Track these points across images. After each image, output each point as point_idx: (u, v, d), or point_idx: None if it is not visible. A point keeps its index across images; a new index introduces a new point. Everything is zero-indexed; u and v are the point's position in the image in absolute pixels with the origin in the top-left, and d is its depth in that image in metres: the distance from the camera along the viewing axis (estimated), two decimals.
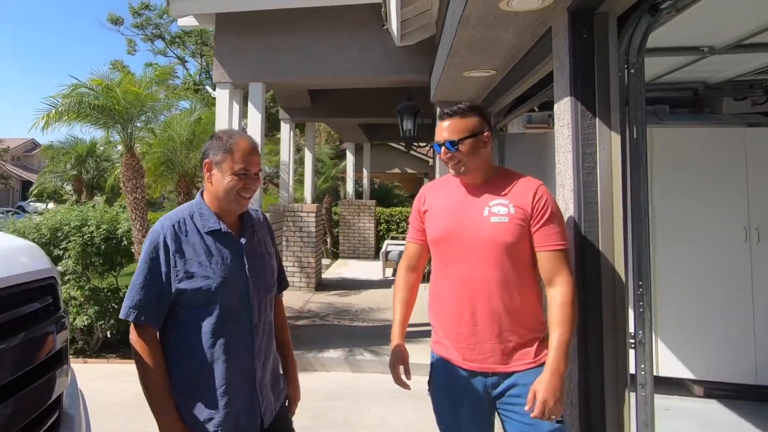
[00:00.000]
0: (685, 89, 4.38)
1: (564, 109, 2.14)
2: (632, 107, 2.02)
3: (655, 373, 3.95)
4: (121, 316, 1.65)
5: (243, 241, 1.79)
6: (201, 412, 1.67)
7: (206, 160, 1.76)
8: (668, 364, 3.93)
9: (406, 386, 1.97)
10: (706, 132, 4.15)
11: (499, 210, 1.79)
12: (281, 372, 1.98)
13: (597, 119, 2.01)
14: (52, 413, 1.69)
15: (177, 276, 1.65)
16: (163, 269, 1.65)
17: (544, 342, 1.81)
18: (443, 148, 1.85)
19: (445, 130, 1.86)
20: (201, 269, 1.67)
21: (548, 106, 4.37)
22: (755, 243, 3.95)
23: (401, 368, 1.97)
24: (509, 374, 1.80)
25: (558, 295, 1.73)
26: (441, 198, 1.98)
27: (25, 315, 1.57)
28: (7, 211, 22.93)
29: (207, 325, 1.67)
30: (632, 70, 2.04)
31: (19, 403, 1.45)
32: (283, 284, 2.05)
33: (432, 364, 1.99)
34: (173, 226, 1.70)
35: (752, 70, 3.78)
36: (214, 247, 1.72)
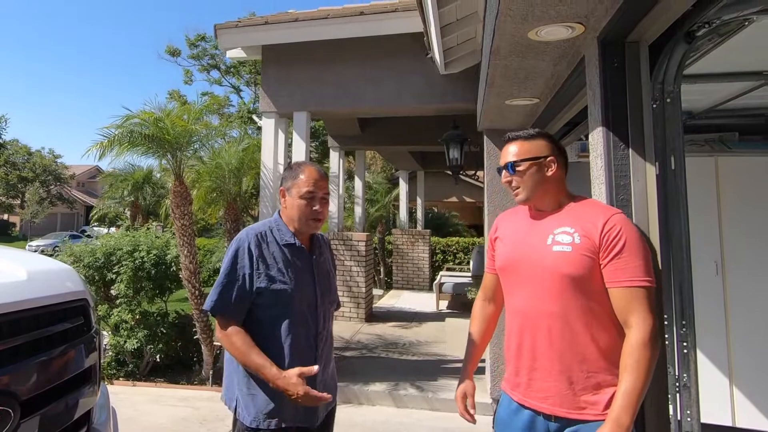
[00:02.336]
0: (756, 115, 4.11)
1: (597, 139, 2.06)
2: (669, 137, 1.92)
3: (730, 424, 3.64)
4: (206, 307, 1.88)
5: (313, 257, 2.03)
6: (265, 403, 1.85)
7: (281, 188, 2.03)
8: (745, 412, 3.57)
9: (471, 419, 1.91)
10: None
11: (563, 239, 1.65)
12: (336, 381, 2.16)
13: (630, 150, 1.92)
14: (79, 429, 1.77)
15: (259, 278, 1.87)
16: (247, 271, 1.87)
17: None
18: (504, 171, 1.81)
19: (508, 153, 1.80)
20: (279, 275, 1.90)
21: None
22: None
23: (467, 401, 1.92)
24: (573, 422, 1.62)
25: (631, 336, 1.53)
26: (511, 225, 1.91)
27: (55, 334, 1.67)
28: (70, 235, 24.48)
29: (279, 325, 1.88)
30: (668, 100, 1.94)
31: (45, 417, 1.53)
32: (338, 303, 2.22)
33: (498, 400, 1.92)
34: (257, 235, 1.94)
35: None
36: (290, 259, 1.95)
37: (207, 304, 1.89)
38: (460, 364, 6.08)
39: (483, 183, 15.33)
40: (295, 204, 1.95)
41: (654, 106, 1.94)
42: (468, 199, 17.94)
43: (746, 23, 2.03)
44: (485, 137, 4.81)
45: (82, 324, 1.87)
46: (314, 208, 1.95)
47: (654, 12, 1.73)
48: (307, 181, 1.95)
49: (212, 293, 1.89)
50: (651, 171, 1.89)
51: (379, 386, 4.93)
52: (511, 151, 1.78)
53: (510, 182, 1.78)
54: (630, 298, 1.54)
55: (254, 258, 1.88)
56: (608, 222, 1.60)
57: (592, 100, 2.12)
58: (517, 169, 1.74)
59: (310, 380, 1.84)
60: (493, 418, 1.92)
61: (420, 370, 5.49)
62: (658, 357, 1.58)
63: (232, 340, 1.83)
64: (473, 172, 6.49)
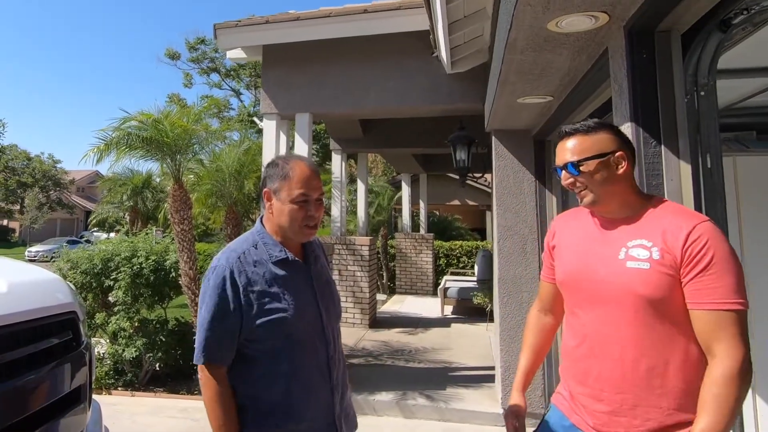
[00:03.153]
0: None
1: None
2: (704, 133, 1.78)
3: None
4: (196, 360, 1.57)
5: (310, 268, 1.74)
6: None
7: (265, 190, 1.68)
8: None
9: None
10: None
11: (639, 253, 1.41)
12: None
13: (662, 147, 1.78)
14: None
15: (251, 312, 1.56)
16: (232, 305, 1.55)
17: None
18: (564, 171, 1.54)
19: (566, 150, 1.53)
20: (275, 302, 1.59)
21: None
22: None
23: (515, 422, 1.75)
24: None
25: (715, 368, 1.31)
26: (572, 232, 1.67)
27: (39, 352, 1.53)
28: (69, 241, 24.43)
29: (283, 360, 1.59)
30: (702, 93, 1.81)
31: None
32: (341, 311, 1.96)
33: (545, 417, 1.72)
34: (238, 258, 1.61)
35: None
36: (285, 278, 1.64)
37: (196, 355, 1.57)
38: (468, 372, 5.86)
39: (488, 185, 15.21)
40: (285, 210, 1.63)
41: (686, 99, 1.80)
42: (471, 203, 17.76)
43: None
44: (493, 138, 4.67)
45: (71, 339, 1.71)
46: (309, 212, 1.63)
47: None
48: (300, 182, 1.62)
49: (198, 339, 1.58)
50: (686, 170, 1.75)
51: (385, 395, 4.77)
52: (571, 148, 1.51)
53: (573, 183, 1.52)
54: (716, 324, 1.31)
55: (240, 289, 1.56)
56: (693, 232, 1.35)
57: (618, 94, 1.98)
58: (581, 169, 1.48)
59: (328, 414, 1.65)
60: (539, 425, 1.74)
61: (428, 379, 5.33)
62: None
63: (214, 405, 1.54)
64: (480, 174, 6.31)
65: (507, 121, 4.29)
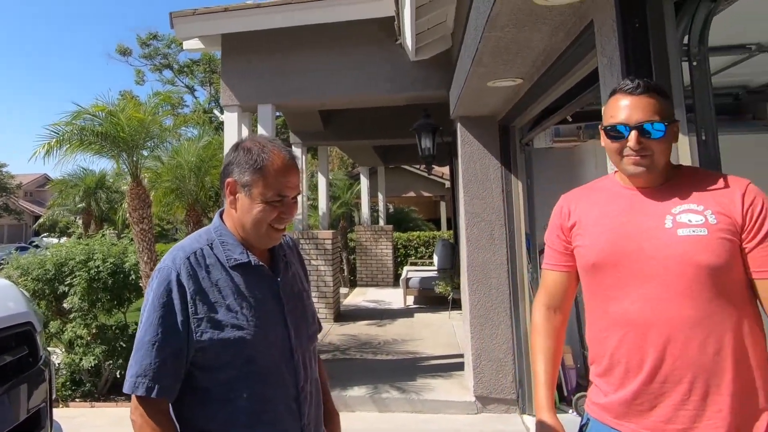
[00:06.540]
0: (725, 95, 4.10)
1: None
2: (698, 104, 1.74)
3: None
4: (126, 389, 1.22)
5: (278, 277, 1.39)
6: None
7: (229, 179, 1.34)
8: None
9: None
10: (751, 139, 3.82)
11: (690, 219, 1.26)
12: None
13: None
14: None
15: (199, 326, 1.25)
16: (179, 317, 1.24)
17: None
18: (634, 132, 1.30)
19: (634, 108, 1.31)
20: (230, 316, 1.27)
21: (578, 117, 4.10)
22: None
23: None
24: None
25: None
26: (596, 206, 1.45)
27: None
28: (18, 248, 23.19)
29: (239, 392, 1.27)
30: (694, 63, 1.77)
31: None
32: (320, 326, 1.58)
33: (582, 428, 1.48)
34: (188, 259, 1.29)
35: None
36: (244, 286, 1.31)
37: (128, 384, 1.22)
38: (436, 361, 5.84)
39: (443, 177, 15.24)
40: (254, 208, 1.31)
41: (680, 69, 1.77)
42: (425, 194, 17.88)
43: None
44: (459, 125, 4.62)
45: (27, 354, 1.47)
46: (281, 213, 1.33)
47: None
48: (278, 179, 1.31)
49: (133, 363, 1.24)
50: (684, 143, 1.71)
51: (358, 390, 4.67)
52: (653, 107, 1.30)
53: (642, 148, 1.30)
54: None
55: (188, 296, 1.26)
56: (747, 193, 1.25)
57: (608, 67, 1.93)
58: (666, 131, 1.30)
59: None
60: None
61: (398, 371, 5.27)
62: None
63: None
64: (431, 167, 6.31)
65: (473, 107, 4.24)
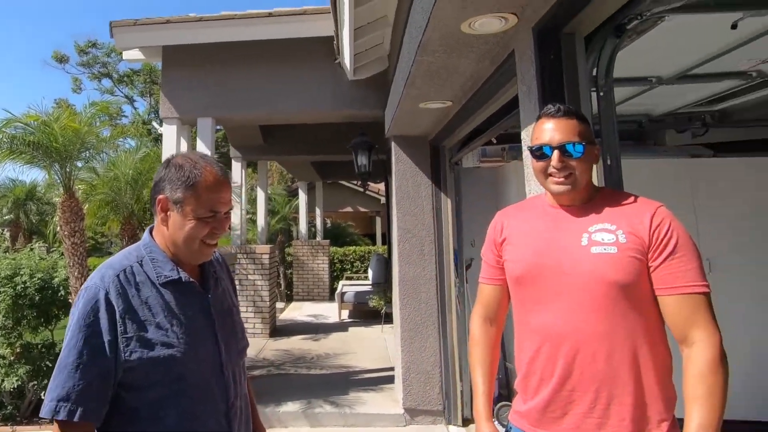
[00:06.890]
0: (630, 122, 4.46)
1: None
2: (605, 133, 1.92)
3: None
4: (45, 413, 1.17)
5: (209, 293, 1.40)
6: None
7: (160, 196, 1.33)
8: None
9: None
10: (654, 163, 4.14)
11: (603, 237, 1.35)
12: None
13: None
14: None
15: (128, 345, 1.22)
16: (107, 337, 1.21)
17: (677, 427, 1.33)
18: (556, 152, 1.41)
19: (556, 131, 1.42)
20: (160, 334, 1.25)
21: (503, 139, 4.33)
22: (707, 274, 3.91)
23: None
24: None
25: (698, 356, 1.23)
26: (526, 222, 1.55)
27: None
28: None
29: (169, 411, 1.25)
30: (601, 93, 1.95)
31: None
32: (246, 343, 1.58)
33: None
34: (117, 276, 1.27)
35: (692, 102, 3.86)
36: (175, 303, 1.31)
37: (47, 408, 1.18)
38: (368, 375, 5.92)
39: (378, 193, 15.42)
40: (186, 225, 1.31)
41: (589, 100, 1.94)
42: (362, 209, 17.98)
43: (659, 21, 2.12)
44: (393, 144, 4.75)
45: None
46: (213, 229, 1.34)
47: (595, 1, 1.71)
48: (210, 195, 1.32)
49: (54, 385, 1.19)
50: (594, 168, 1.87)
51: (291, 406, 4.64)
52: (573, 129, 1.42)
53: (564, 167, 1.40)
54: (693, 308, 1.26)
55: (117, 316, 1.23)
56: (656, 215, 1.34)
57: (527, 95, 2.09)
58: (584, 152, 1.41)
59: None
60: None
61: (331, 385, 5.28)
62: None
63: None
64: (381, 180, 6.42)
65: (407, 127, 4.38)
